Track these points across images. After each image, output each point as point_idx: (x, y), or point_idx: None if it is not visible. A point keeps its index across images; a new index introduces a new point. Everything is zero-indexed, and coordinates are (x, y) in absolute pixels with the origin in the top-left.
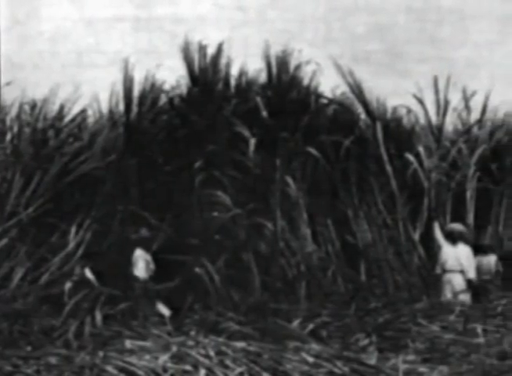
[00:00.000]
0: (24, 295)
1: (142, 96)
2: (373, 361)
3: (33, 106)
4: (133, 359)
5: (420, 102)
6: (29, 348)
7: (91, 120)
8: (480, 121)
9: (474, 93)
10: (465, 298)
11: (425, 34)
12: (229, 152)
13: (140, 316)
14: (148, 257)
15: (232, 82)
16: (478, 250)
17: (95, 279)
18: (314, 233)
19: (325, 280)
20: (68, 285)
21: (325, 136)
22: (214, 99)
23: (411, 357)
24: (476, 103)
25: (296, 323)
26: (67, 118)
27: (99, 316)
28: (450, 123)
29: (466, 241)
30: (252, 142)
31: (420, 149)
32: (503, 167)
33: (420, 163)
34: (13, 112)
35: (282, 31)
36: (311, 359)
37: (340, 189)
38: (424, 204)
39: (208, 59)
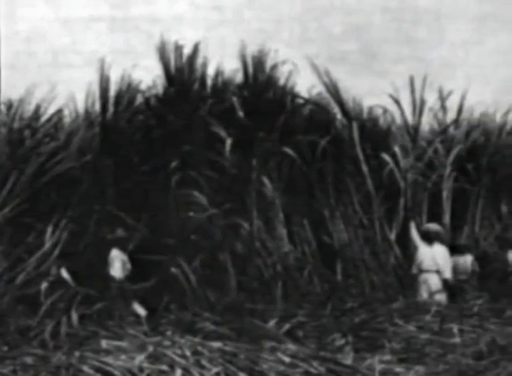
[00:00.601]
0: (0, 295)
1: (119, 96)
2: (349, 361)
3: (9, 106)
4: (109, 359)
5: (396, 102)
6: (5, 348)
7: (67, 120)
8: (456, 121)
9: (450, 93)
10: (441, 297)
11: (401, 34)
12: (205, 152)
13: (116, 316)
14: (124, 257)
15: (209, 82)
16: (454, 250)
17: (72, 279)
18: (290, 233)
19: (301, 280)
20: (44, 285)
21: (301, 136)
22: (191, 99)
23: (387, 357)
24: (452, 103)
25: (272, 323)
26: (43, 118)
27: (75, 316)
28: (426, 123)
29: (443, 241)
30: (228, 142)
31: (396, 149)
32: (479, 167)
33: (396, 163)
34: None
35: (258, 31)
36: (287, 359)
37: (316, 190)
38: (400, 204)
39: (184, 59)
